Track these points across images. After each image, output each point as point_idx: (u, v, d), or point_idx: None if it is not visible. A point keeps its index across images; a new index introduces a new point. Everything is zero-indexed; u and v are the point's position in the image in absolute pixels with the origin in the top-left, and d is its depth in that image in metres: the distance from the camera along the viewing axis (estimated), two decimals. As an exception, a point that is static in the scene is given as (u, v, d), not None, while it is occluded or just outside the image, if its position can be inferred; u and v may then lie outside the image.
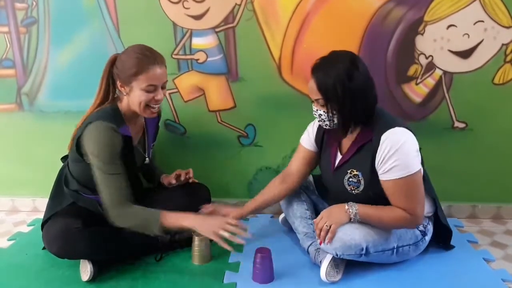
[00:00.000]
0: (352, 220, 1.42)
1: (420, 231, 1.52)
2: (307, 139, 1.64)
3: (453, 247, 1.64)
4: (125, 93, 1.49)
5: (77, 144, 1.49)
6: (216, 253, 1.65)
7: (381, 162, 1.39)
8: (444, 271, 1.52)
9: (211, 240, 1.57)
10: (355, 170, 1.47)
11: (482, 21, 1.75)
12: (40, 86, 1.95)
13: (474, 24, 1.75)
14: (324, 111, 1.42)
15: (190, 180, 1.76)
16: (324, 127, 1.49)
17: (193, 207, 1.73)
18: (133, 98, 1.48)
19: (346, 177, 1.49)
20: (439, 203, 1.58)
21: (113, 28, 1.85)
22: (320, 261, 1.48)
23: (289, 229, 1.81)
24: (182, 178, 1.74)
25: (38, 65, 1.92)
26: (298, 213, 1.66)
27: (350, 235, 1.40)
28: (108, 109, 1.51)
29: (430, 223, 1.57)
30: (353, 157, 1.47)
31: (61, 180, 1.63)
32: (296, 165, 1.66)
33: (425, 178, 1.51)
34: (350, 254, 1.42)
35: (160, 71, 1.46)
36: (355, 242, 1.40)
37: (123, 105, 1.53)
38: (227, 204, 2.04)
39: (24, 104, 1.98)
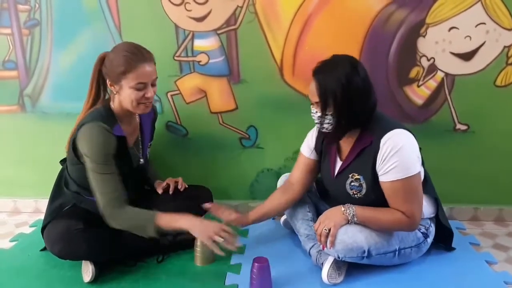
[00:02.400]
0: (350, 221, 1.42)
1: (422, 233, 1.52)
2: (307, 148, 1.64)
3: (454, 248, 1.64)
4: (115, 92, 1.49)
5: (73, 146, 1.49)
6: (218, 255, 1.64)
7: (381, 163, 1.39)
8: (446, 274, 1.52)
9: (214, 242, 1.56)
10: (356, 174, 1.47)
11: (484, 24, 1.74)
12: (42, 88, 1.96)
13: (476, 26, 1.75)
14: (322, 114, 1.42)
15: (181, 189, 1.73)
16: (321, 130, 1.48)
17: (195, 210, 1.73)
18: (123, 96, 1.48)
19: (348, 182, 1.49)
20: (441, 204, 1.57)
21: (115, 30, 1.86)
22: (322, 263, 1.48)
23: (291, 231, 1.81)
24: (171, 191, 1.71)
25: (40, 67, 1.93)
26: (300, 215, 1.66)
27: (352, 237, 1.40)
28: (101, 110, 1.51)
29: (432, 224, 1.57)
30: (353, 161, 1.47)
31: (61, 183, 1.64)
32: (297, 174, 1.65)
33: (426, 178, 1.51)
34: (352, 256, 1.42)
35: (148, 68, 1.45)
36: (357, 244, 1.40)
37: (115, 104, 1.53)
38: (228, 206, 2.05)
39: (27, 105, 1.99)
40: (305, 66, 1.83)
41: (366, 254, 1.42)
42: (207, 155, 1.99)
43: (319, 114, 1.43)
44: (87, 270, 1.49)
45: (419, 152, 1.45)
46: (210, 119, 1.94)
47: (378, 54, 1.80)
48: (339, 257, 1.42)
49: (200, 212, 1.77)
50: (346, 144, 1.51)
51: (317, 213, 1.68)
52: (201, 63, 1.87)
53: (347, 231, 1.41)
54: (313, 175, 1.66)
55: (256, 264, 1.41)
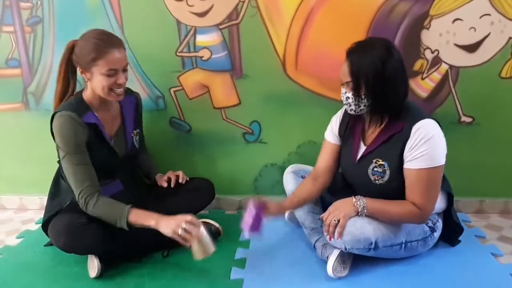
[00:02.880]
0: (360, 213, 1.42)
1: (429, 227, 1.51)
2: (331, 133, 1.63)
3: (459, 241, 1.63)
4: (86, 79, 1.50)
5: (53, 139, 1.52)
6: (223, 250, 1.65)
7: (410, 150, 1.39)
8: (452, 266, 1.52)
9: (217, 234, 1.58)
10: (380, 160, 1.46)
11: (489, 15, 1.73)
12: (46, 85, 1.96)
13: (481, 17, 1.73)
14: (352, 95, 1.41)
15: (182, 181, 1.72)
16: (349, 111, 1.47)
17: (197, 202, 1.73)
18: (95, 83, 1.48)
19: (371, 167, 1.48)
20: (453, 201, 1.57)
21: (117, 26, 1.85)
22: (327, 257, 1.48)
23: (296, 225, 1.81)
24: (172, 184, 1.70)
25: (43, 64, 1.93)
26: (306, 207, 1.65)
27: (360, 229, 1.40)
28: (72, 99, 1.53)
29: (440, 220, 1.56)
30: (380, 147, 1.46)
31: (59, 179, 1.65)
32: (324, 161, 1.64)
33: (443, 174, 1.51)
34: (359, 248, 1.42)
35: (118, 54, 1.45)
36: (365, 236, 1.40)
37: (87, 92, 1.54)
38: (232, 201, 2.06)
39: (31, 103, 1.99)
40: (308, 61, 1.82)
41: (373, 246, 1.42)
42: (211, 151, 1.99)
43: (348, 94, 1.43)
44: (93, 266, 1.50)
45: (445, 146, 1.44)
46: (213, 115, 1.94)
47: (381, 47, 1.79)
48: (346, 249, 1.42)
49: (202, 204, 1.77)
50: (371, 129, 1.50)
51: (323, 206, 1.68)
52: (203, 58, 1.87)
53: (355, 223, 1.41)
54: (337, 162, 1.65)
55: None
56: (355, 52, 1.40)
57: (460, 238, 1.63)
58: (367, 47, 1.40)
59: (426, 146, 1.36)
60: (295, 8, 1.77)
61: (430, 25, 1.76)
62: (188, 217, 1.41)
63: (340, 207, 1.43)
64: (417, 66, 1.81)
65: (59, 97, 1.57)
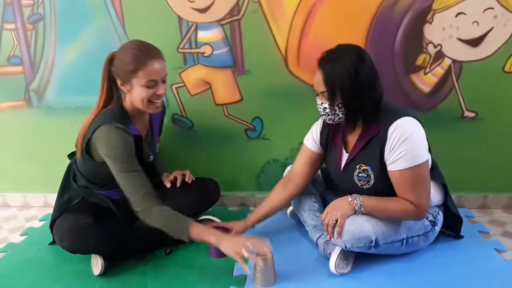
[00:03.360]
0: (357, 211, 1.42)
1: (430, 221, 1.51)
2: (311, 140, 1.62)
3: (462, 236, 1.63)
4: (126, 91, 1.48)
5: (87, 145, 1.49)
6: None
7: (390, 152, 1.38)
8: (455, 262, 1.51)
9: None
10: (363, 165, 1.46)
11: (492, 8, 1.71)
12: (48, 82, 1.96)
13: (484, 11, 1.72)
14: (329, 104, 1.41)
15: (189, 181, 1.72)
16: (328, 121, 1.47)
17: (202, 202, 1.74)
18: (134, 95, 1.47)
19: (356, 173, 1.48)
20: (449, 191, 1.56)
21: (118, 23, 1.85)
22: (329, 253, 1.48)
23: (298, 222, 1.81)
24: (178, 184, 1.70)
25: (45, 62, 1.94)
26: (306, 205, 1.66)
27: (359, 227, 1.40)
28: (115, 110, 1.50)
29: (440, 212, 1.56)
30: (360, 152, 1.46)
31: (69, 177, 1.65)
32: (299, 166, 1.64)
33: (433, 165, 1.50)
34: (360, 246, 1.42)
35: (158, 65, 1.45)
36: (365, 234, 1.40)
37: (127, 104, 1.53)
38: (234, 197, 2.06)
39: (33, 100, 2.00)
40: (310, 56, 1.81)
41: (373, 244, 1.41)
42: (213, 147, 1.99)
43: (325, 105, 1.42)
44: (97, 264, 1.50)
45: (426, 139, 1.43)
46: (215, 111, 1.94)
47: (383, 41, 1.78)
48: (346, 247, 1.42)
49: (207, 205, 1.78)
50: (351, 136, 1.50)
51: (324, 203, 1.68)
52: (205, 54, 1.86)
53: (354, 221, 1.41)
54: (315, 168, 1.65)
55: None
56: (327, 61, 1.39)
57: (463, 234, 1.63)
58: (338, 55, 1.38)
59: (404, 146, 1.35)
60: (297, 3, 1.76)
61: (433, 19, 1.74)
62: (254, 239, 1.38)
63: (337, 207, 1.43)
64: (419, 60, 1.80)
65: (100, 110, 1.52)
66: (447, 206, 1.57)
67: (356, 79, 1.35)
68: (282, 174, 1.80)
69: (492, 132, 1.85)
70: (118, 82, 1.48)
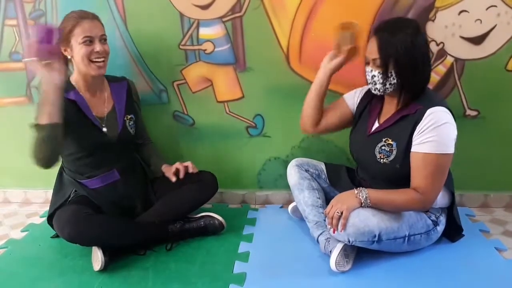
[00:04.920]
0: (363, 204, 1.41)
1: (432, 220, 1.51)
2: (352, 99, 1.64)
3: (462, 235, 1.63)
4: (70, 56, 1.55)
5: None
6: (226, 244, 1.66)
7: (419, 133, 1.39)
8: (455, 261, 1.51)
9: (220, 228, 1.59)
10: (390, 140, 1.46)
11: (495, 6, 1.70)
12: (49, 79, 1.96)
13: (487, 9, 1.71)
14: (379, 72, 1.40)
15: (194, 171, 1.72)
16: (374, 91, 1.47)
17: (201, 195, 1.74)
18: (76, 57, 1.54)
19: (379, 145, 1.48)
20: (455, 200, 1.56)
21: (120, 20, 1.85)
22: (330, 251, 1.48)
23: (299, 219, 1.81)
24: (181, 175, 1.69)
25: (47, 58, 1.93)
26: (310, 201, 1.65)
27: (364, 221, 1.40)
28: None
29: (443, 215, 1.56)
30: (391, 126, 1.47)
31: (62, 173, 1.69)
32: (331, 117, 1.65)
33: (449, 172, 1.51)
34: (363, 240, 1.42)
35: (92, 23, 1.53)
36: (369, 228, 1.40)
37: (74, 73, 1.61)
38: (235, 194, 2.06)
39: (34, 97, 1.99)
40: (312, 53, 1.81)
41: (376, 238, 1.41)
42: (214, 144, 1.99)
43: (374, 72, 1.42)
44: (97, 259, 1.51)
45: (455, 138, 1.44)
46: (217, 108, 1.93)
47: (386, 39, 1.77)
48: (349, 241, 1.42)
49: (205, 197, 1.77)
50: (389, 109, 1.50)
51: (327, 200, 1.68)
52: (206, 51, 1.86)
53: (359, 215, 1.41)
54: (341, 123, 1.66)
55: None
56: (385, 30, 1.39)
57: (464, 233, 1.63)
58: (397, 25, 1.39)
59: (436, 132, 1.36)
60: (299, 0, 1.75)
61: (435, 17, 1.73)
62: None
63: (343, 200, 1.43)
64: (422, 59, 1.79)
65: None
66: (451, 215, 1.57)
67: (412, 50, 1.36)
68: (284, 172, 1.80)
69: (494, 131, 1.84)
70: (62, 49, 1.54)
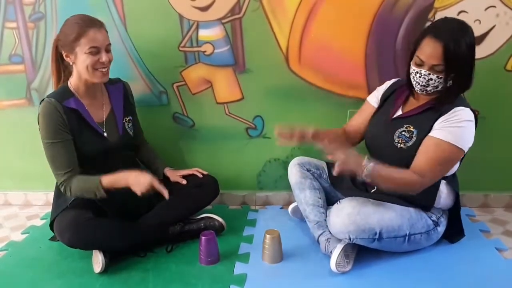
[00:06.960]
0: (363, 173, 1.35)
1: (432, 220, 1.51)
2: (374, 96, 1.66)
3: (461, 237, 1.63)
4: (72, 62, 1.53)
5: None
6: (227, 245, 1.66)
7: (442, 122, 1.40)
8: (456, 261, 1.51)
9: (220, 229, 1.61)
10: (412, 127, 1.47)
11: (494, 7, 1.71)
12: (49, 81, 1.96)
13: (486, 9, 1.71)
14: (437, 77, 1.39)
15: (201, 175, 1.77)
16: (419, 91, 1.46)
17: (202, 198, 1.74)
18: (79, 65, 1.51)
19: (400, 130, 1.49)
20: (460, 202, 1.57)
21: (120, 22, 1.85)
22: (331, 252, 1.48)
23: (299, 220, 1.81)
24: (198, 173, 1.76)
25: (46, 60, 1.93)
26: (311, 200, 1.65)
27: (365, 218, 1.40)
28: (58, 89, 1.59)
29: (444, 216, 1.56)
30: (416, 115, 1.47)
31: None
32: (358, 120, 1.67)
33: (455, 173, 1.52)
34: (364, 238, 1.42)
35: (99, 33, 1.50)
36: (370, 226, 1.40)
37: (73, 78, 1.58)
38: (235, 196, 2.06)
39: (34, 99, 2.00)
40: (311, 55, 1.81)
41: (377, 236, 1.42)
42: (214, 146, 1.99)
43: (432, 76, 1.39)
44: (97, 261, 1.51)
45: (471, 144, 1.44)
46: (216, 110, 1.94)
47: (385, 40, 1.77)
48: (350, 239, 1.42)
49: (206, 201, 1.77)
50: (416, 102, 1.51)
51: (328, 200, 1.68)
52: (206, 53, 1.86)
53: (360, 212, 1.41)
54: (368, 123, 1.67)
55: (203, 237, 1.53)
56: (450, 34, 1.36)
57: (464, 233, 1.63)
58: (459, 30, 1.38)
59: (458, 125, 1.38)
60: (298, 1, 1.75)
61: (434, 17, 1.74)
62: (156, 181, 1.50)
63: (351, 161, 1.35)
64: (421, 59, 1.79)
65: (56, 87, 1.63)
66: (455, 217, 1.57)
67: (472, 60, 1.39)
68: (283, 173, 1.80)
69: (494, 131, 1.85)
70: (64, 54, 1.53)
